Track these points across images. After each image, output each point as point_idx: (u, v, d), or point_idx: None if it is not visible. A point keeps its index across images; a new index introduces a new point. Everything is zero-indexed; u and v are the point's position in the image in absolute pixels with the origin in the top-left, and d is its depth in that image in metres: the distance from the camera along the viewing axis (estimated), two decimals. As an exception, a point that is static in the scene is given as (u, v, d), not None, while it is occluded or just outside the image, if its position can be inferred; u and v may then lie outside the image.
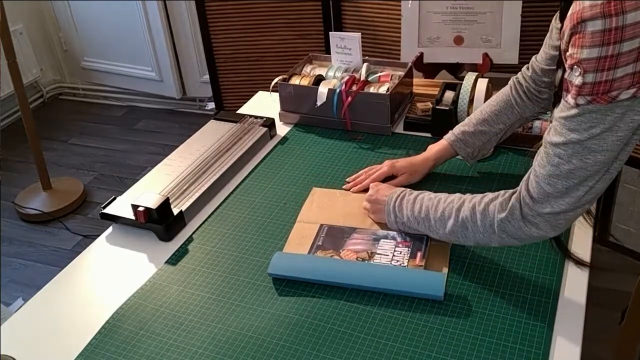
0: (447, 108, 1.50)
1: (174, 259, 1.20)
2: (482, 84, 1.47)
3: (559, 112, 0.90)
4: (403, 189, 1.19)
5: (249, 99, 1.81)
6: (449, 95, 1.55)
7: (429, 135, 1.53)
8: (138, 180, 1.40)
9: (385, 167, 1.34)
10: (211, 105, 3.45)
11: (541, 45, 1.20)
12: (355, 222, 1.23)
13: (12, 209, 2.83)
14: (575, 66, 0.84)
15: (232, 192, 1.38)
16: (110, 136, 3.42)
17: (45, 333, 1.07)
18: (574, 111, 0.87)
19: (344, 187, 1.36)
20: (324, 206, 1.29)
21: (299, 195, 1.35)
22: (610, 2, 0.78)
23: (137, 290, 1.13)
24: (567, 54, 0.86)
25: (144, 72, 3.51)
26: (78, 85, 3.84)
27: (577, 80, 0.84)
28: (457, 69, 1.91)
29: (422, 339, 0.98)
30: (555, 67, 1.17)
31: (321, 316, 1.03)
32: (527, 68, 1.25)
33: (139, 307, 1.09)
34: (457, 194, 1.08)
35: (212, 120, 1.61)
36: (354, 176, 1.38)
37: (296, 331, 1.01)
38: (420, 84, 1.75)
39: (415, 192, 1.15)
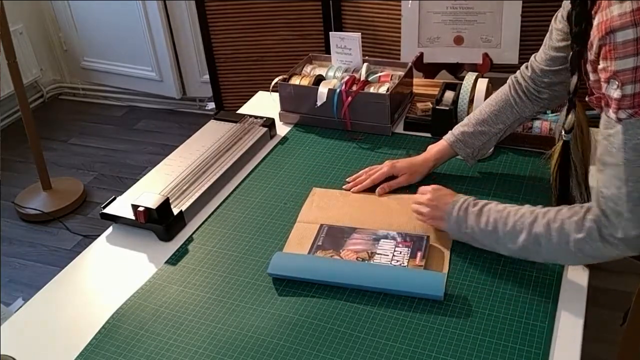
0: (447, 108, 1.50)
1: (174, 259, 1.20)
2: (482, 84, 1.47)
3: (604, 127, 0.88)
4: (465, 197, 1.13)
5: (249, 99, 1.81)
6: (449, 95, 1.55)
7: (429, 135, 1.53)
8: (138, 180, 1.40)
9: (385, 167, 1.33)
10: (211, 105, 3.45)
11: (541, 45, 1.20)
12: (355, 222, 1.23)
13: (12, 209, 2.83)
14: (612, 79, 0.81)
15: (232, 192, 1.38)
16: (110, 136, 3.42)
17: (45, 333, 1.07)
18: (617, 127, 0.84)
19: (344, 187, 1.35)
20: (324, 206, 1.29)
21: (299, 195, 1.35)
22: None
23: (137, 290, 1.13)
24: (600, 67, 0.83)
25: (144, 72, 3.51)
26: (78, 85, 3.84)
27: (616, 93, 0.81)
28: (457, 69, 1.91)
29: (422, 339, 0.97)
30: (555, 67, 1.16)
31: (321, 316, 1.03)
32: (526, 67, 1.24)
33: (139, 307, 1.09)
34: (527, 206, 1.05)
35: (212, 120, 1.61)
36: (354, 176, 1.37)
37: (296, 331, 1.01)
38: (420, 84, 1.75)
39: (480, 202, 1.10)
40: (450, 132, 1.33)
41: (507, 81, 1.28)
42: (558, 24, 1.12)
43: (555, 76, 1.17)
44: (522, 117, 1.28)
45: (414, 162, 1.34)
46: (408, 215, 1.22)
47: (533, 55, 1.23)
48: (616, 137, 0.84)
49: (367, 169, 1.37)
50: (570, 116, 1.03)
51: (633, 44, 0.77)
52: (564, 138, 1.07)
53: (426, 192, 1.18)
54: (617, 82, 0.80)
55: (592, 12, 0.91)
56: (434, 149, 1.34)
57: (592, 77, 0.89)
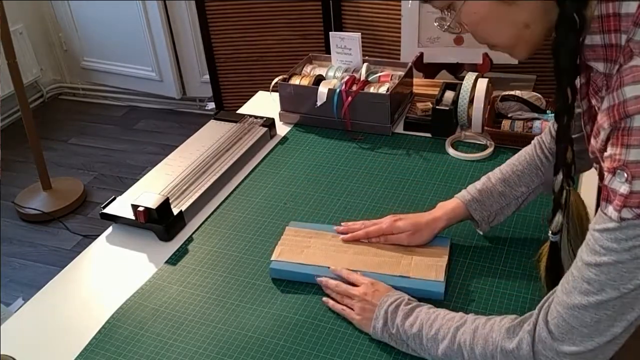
0: (447, 108, 1.50)
1: (174, 259, 1.20)
2: (482, 84, 1.47)
3: (595, 223, 0.73)
4: (401, 294, 1.00)
5: (249, 99, 1.81)
6: (449, 95, 1.55)
7: (429, 135, 1.53)
8: (138, 180, 1.40)
9: (385, 223, 1.14)
10: (211, 105, 3.45)
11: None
12: (335, 263, 1.11)
13: (12, 209, 2.83)
14: (620, 170, 0.68)
15: (232, 192, 1.38)
16: (110, 136, 3.42)
17: (45, 333, 1.07)
18: (613, 224, 0.70)
19: (335, 228, 1.19)
20: (296, 250, 1.16)
21: (299, 195, 1.35)
22: None
23: (137, 290, 1.13)
24: (606, 154, 0.71)
25: (144, 72, 3.52)
26: (78, 85, 3.84)
27: (623, 188, 0.68)
28: (457, 69, 1.91)
29: (422, 339, 0.97)
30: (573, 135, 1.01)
31: (321, 316, 1.03)
32: (549, 130, 1.10)
33: (139, 307, 1.09)
34: (460, 313, 0.92)
35: (212, 120, 1.61)
36: (349, 224, 1.19)
37: (296, 331, 1.01)
38: (420, 84, 1.75)
39: (415, 302, 0.97)
40: (465, 190, 1.14)
41: (533, 141, 1.13)
42: None
43: (576, 144, 0.98)
44: (547, 182, 1.08)
45: (420, 220, 1.13)
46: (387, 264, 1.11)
47: (551, 122, 1.09)
48: (610, 234, 0.70)
49: (365, 221, 1.19)
50: (557, 217, 0.88)
51: None
52: (551, 239, 0.92)
53: (360, 283, 1.04)
54: (625, 175, 0.67)
55: (576, 104, 0.83)
56: (445, 207, 1.14)
57: (606, 171, 0.76)
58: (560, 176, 0.86)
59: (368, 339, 0.98)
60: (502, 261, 1.12)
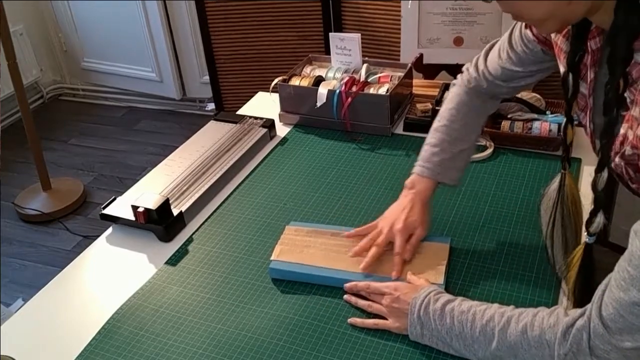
0: (446, 109, 1.50)
1: (174, 260, 1.20)
2: (482, 84, 1.47)
3: None
4: (426, 291, 0.96)
5: (248, 100, 1.81)
6: (449, 96, 1.55)
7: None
8: (138, 180, 1.40)
9: (383, 234, 1.11)
10: (211, 106, 3.46)
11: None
12: (335, 264, 1.12)
13: (12, 209, 2.84)
14: None
15: (232, 193, 1.39)
16: (110, 136, 3.42)
17: (45, 333, 1.07)
18: None
19: (346, 234, 1.16)
20: (295, 249, 1.16)
21: (299, 195, 1.35)
22: None
23: (137, 290, 1.13)
24: None
25: (144, 72, 3.52)
26: (78, 86, 3.85)
27: None
28: (457, 70, 1.91)
29: (421, 340, 0.98)
30: (518, 84, 1.09)
31: (321, 316, 1.03)
32: (478, 75, 1.13)
33: (139, 307, 1.09)
34: (495, 307, 0.89)
35: (212, 121, 1.62)
36: (353, 232, 1.16)
37: (296, 331, 1.01)
38: (420, 85, 1.75)
39: (443, 299, 0.94)
40: (421, 164, 1.15)
41: (456, 89, 1.17)
42: (518, 47, 1.03)
43: (521, 81, 1.08)
44: (488, 115, 1.23)
45: (412, 219, 1.12)
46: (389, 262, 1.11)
47: (481, 66, 1.12)
48: None
49: (363, 232, 1.15)
50: (598, 218, 0.83)
51: None
52: (587, 241, 0.88)
53: (386, 295, 1.01)
54: None
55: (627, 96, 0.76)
56: (419, 187, 1.14)
57: None
58: (605, 174, 0.80)
59: (368, 339, 0.98)
60: (501, 262, 1.12)
